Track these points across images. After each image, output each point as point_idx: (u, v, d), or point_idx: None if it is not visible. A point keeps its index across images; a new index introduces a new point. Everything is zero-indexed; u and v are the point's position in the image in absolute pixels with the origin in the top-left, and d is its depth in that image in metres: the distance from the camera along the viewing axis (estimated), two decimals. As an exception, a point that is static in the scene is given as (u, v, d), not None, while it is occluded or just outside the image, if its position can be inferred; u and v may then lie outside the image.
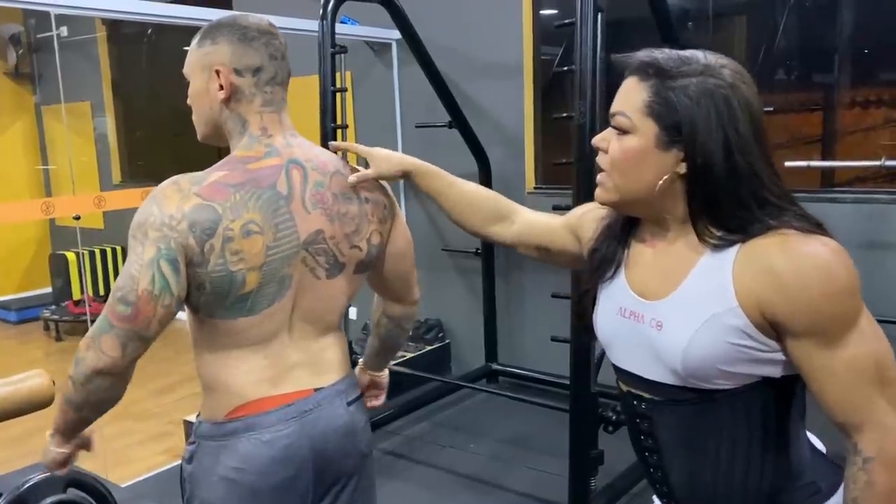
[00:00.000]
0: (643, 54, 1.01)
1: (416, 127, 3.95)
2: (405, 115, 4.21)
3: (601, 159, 1.05)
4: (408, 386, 3.75)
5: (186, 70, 1.32)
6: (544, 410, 3.08)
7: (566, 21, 2.38)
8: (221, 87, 1.25)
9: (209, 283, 1.19)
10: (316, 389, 1.32)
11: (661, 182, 0.99)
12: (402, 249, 1.44)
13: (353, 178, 1.32)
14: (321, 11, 3.15)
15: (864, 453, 0.93)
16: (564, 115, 2.54)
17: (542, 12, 3.80)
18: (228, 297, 1.20)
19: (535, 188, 3.86)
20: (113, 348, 1.16)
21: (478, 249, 3.92)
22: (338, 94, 3.25)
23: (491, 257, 3.91)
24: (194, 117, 1.33)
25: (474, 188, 1.37)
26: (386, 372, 1.67)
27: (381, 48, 4.24)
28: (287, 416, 1.28)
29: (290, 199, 1.24)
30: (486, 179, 3.83)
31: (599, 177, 1.06)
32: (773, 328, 0.94)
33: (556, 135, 3.81)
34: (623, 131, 1.01)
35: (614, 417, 2.48)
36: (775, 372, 0.97)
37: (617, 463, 2.61)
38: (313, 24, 3.25)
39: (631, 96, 1.00)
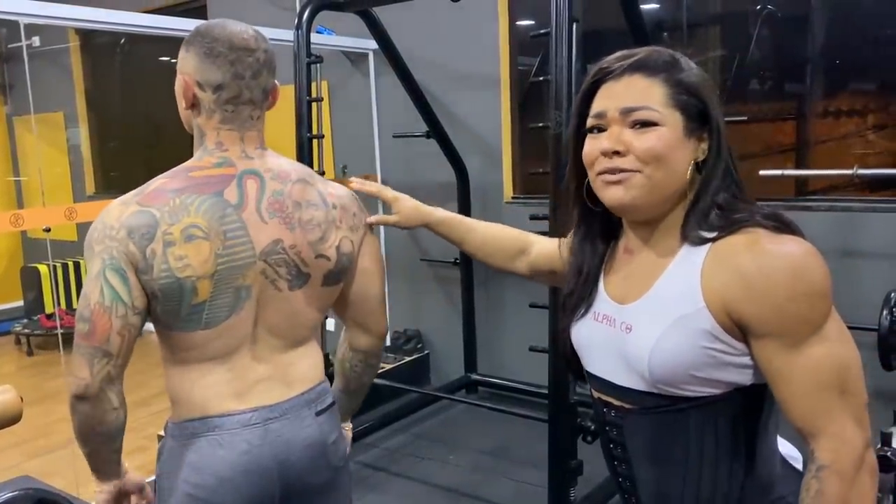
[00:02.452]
0: (637, 53, 1.00)
1: (394, 137, 3.94)
2: (382, 124, 4.19)
3: (622, 162, 0.98)
4: (386, 397, 3.72)
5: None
6: (524, 420, 3.07)
7: (541, 31, 2.39)
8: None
9: (159, 290, 1.17)
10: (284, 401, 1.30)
11: (688, 172, 0.99)
12: (370, 267, 1.40)
13: (372, 219, 1.39)
14: (296, 21, 3.13)
15: (819, 461, 0.91)
16: (541, 124, 2.54)
17: (518, 23, 3.81)
18: (182, 306, 1.19)
19: (512, 198, 3.86)
20: (81, 368, 1.16)
21: (456, 259, 3.90)
22: (314, 104, 3.23)
23: (470, 268, 3.90)
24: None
25: (492, 231, 1.40)
26: (350, 425, 1.57)
27: (357, 58, 4.23)
28: (249, 422, 1.25)
29: (240, 207, 1.21)
30: (463, 189, 3.83)
31: (620, 176, 0.98)
32: (740, 329, 0.93)
33: (533, 145, 3.82)
34: (649, 124, 0.97)
35: (593, 427, 2.47)
36: (745, 379, 0.96)
37: (596, 473, 2.59)
38: (289, 34, 3.24)
39: (648, 90, 0.98)
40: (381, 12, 3.45)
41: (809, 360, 0.91)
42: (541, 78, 2.52)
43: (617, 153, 0.98)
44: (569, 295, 1.13)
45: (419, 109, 3.65)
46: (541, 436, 2.48)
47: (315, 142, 3.24)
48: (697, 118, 0.98)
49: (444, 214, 1.41)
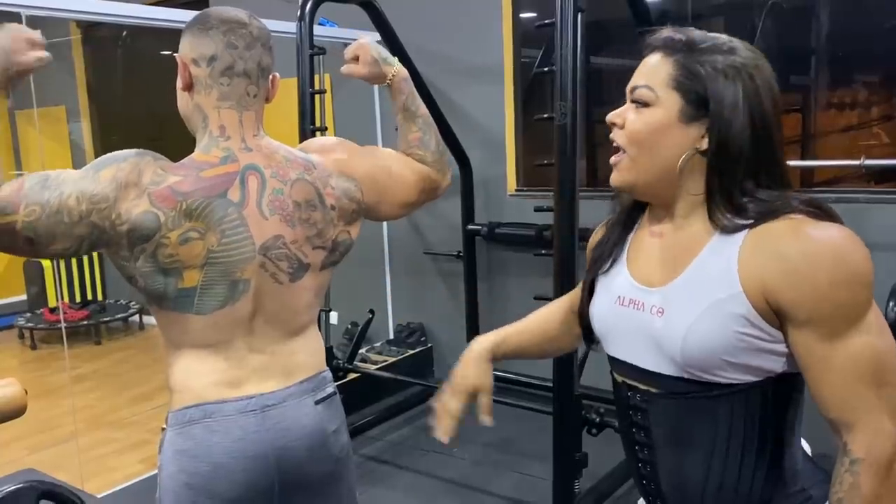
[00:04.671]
0: (670, 30, 1.00)
1: (396, 129, 3.91)
2: (385, 117, 4.18)
3: (616, 135, 1.02)
4: (390, 390, 3.72)
5: None
6: (528, 413, 3.06)
7: (546, 21, 2.38)
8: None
9: (139, 276, 1.19)
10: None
11: (682, 159, 0.97)
12: (368, 170, 1.39)
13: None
14: (299, 13, 3.12)
15: (853, 454, 0.90)
16: (545, 115, 2.53)
17: (521, 14, 3.79)
18: (167, 290, 1.20)
19: (516, 190, 3.85)
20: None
21: (459, 252, 3.89)
22: (316, 97, 3.22)
23: (473, 260, 3.90)
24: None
25: (536, 324, 1.32)
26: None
27: (360, 51, 4.21)
28: (245, 409, 1.25)
29: (242, 205, 1.22)
30: (467, 182, 3.82)
31: (614, 158, 1.02)
32: (777, 315, 0.92)
33: (536, 137, 3.81)
34: (644, 104, 0.99)
35: (598, 420, 2.47)
36: (777, 366, 0.95)
37: (601, 465, 2.60)
38: (291, 26, 3.23)
39: (655, 70, 0.99)
40: (384, 4, 3.44)
41: (848, 351, 0.89)
42: (545, 69, 2.50)
43: (615, 125, 1.02)
44: (595, 248, 1.14)
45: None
46: (544, 429, 2.48)
47: (318, 134, 3.23)
48: (698, 104, 0.96)
49: (500, 342, 1.29)
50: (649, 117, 0.98)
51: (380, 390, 3.69)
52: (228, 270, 1.21)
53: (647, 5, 2.88)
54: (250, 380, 1.27)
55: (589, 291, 1.14)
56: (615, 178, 1.03)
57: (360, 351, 3.92)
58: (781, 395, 0.97)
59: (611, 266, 1.10)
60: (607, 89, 3.86)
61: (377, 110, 4.20)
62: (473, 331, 3.96)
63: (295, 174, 1.28)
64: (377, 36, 3.73)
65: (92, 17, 3.13)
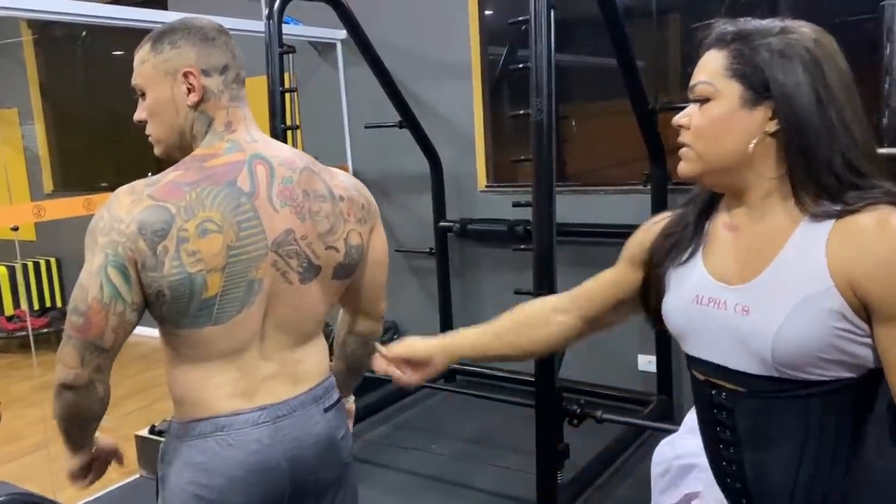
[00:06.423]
0: (721, 24, 1.01)
1: (366, 127, 3.91)
2: (352, 115, 4.16)
3: (683, 136, 1.02)
4: (366, 389, 3.70)
5: (140, 81, 1.24)
6: (504, 407, 3.08)
7: (520, 18, 2.39)
8: (190, 91, 1.20)
9: (168, 289, 1.13)
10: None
11: (751, 144, 0.96)
12: (380, 258, 1.40)
13: (381, 365, 1.31)
14: (267, 11, 3.08)
15: None
16: (521, 112, 2.55)
17: (487, 12, 3.81)
18: (192, 303, 1.15)
19: (486, 186, 3.87)
20: (72, 360, 1.15)
21: (431, 249, 3.90)
22: (286, 95, 3.19)
23: (445, 257, 3.90)
24: (155, 128, 1.25)
25: (507, 322, 1.29)
26: (352, 398, 1.60)
27: (325, 48, 4.18)
28: (258, 421, 1.23)
29: (253, 195, 1.18)
30: (437, 179, 3.82)
31: (682, 150, 1.02)
32: (865, 310, 0.90)
33: (506, 133, 3.83)
34: (705, 100, 0.99)
35: (578, 411, 2.50)
36: (870, 362, 0.92)
37: (582, 456, 2.64)
38: (256, 25, 3.19)
39: (710, 64, 0.99)
40: (352, 1, 3.42)
41: None
42: (520, 66, 2.52)
43: (682, 127, 1.02)
44: (665, 237, 1.11)
45: (391, 99, 3.62)
46: (520, 422, 2.50)
47: (289, 132, 3.20)
48: (759, 88, 0.95)
49: (466, 339, 1.33)
50: (712, 110, 0.98)
51: (357, 389, 3.67)
52: (245, 269, 1.17)
53: (614, 2, 2.90)
54: (261, 389, 1.24)
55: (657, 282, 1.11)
56: (682, 169, 1.03)
57: (334, 351, 3.89)
58: (876, 390, 0.95)
59: (688, 258, 1.07)
60: (573, 87, 3.89)
61: (344, 109, 4.17)
62: (447, 327, 3.97)
63: (301, 164, 1.26)
64: (342, 34, 3.72)
65: (44, 15, 3.02)
